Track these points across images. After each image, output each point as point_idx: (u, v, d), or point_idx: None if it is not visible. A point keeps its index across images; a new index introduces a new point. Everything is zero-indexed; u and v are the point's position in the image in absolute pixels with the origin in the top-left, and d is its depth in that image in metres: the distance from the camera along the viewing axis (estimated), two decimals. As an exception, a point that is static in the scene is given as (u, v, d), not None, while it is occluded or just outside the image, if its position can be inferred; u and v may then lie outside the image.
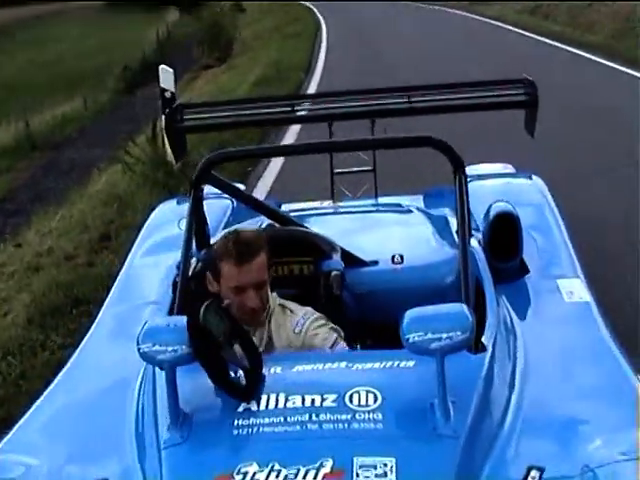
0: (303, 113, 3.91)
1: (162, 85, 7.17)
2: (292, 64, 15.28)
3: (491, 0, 24.07)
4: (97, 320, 3.05)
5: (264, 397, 2.05)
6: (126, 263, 3.42)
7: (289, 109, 3.81)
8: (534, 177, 3.99)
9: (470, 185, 3.93)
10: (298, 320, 2.51)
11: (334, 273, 2.69)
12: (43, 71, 26.43)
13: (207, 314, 2.02)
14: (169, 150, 7.45)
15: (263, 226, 3.10)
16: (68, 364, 2.77)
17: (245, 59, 18.44)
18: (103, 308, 3.15)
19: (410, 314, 2.05)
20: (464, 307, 2.11)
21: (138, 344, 2.03)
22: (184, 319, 2.04)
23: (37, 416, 2.49)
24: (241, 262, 2.40)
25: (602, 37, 15.57)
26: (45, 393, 2.61)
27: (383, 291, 2.87)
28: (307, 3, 32.56)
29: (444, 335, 1.97)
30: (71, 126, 16.80)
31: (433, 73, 11.23)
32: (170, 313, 2.63)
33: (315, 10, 29.55)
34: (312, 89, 12.57)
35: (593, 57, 13.95)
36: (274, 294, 2.58)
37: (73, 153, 13.89)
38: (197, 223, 2.83)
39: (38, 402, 2.55)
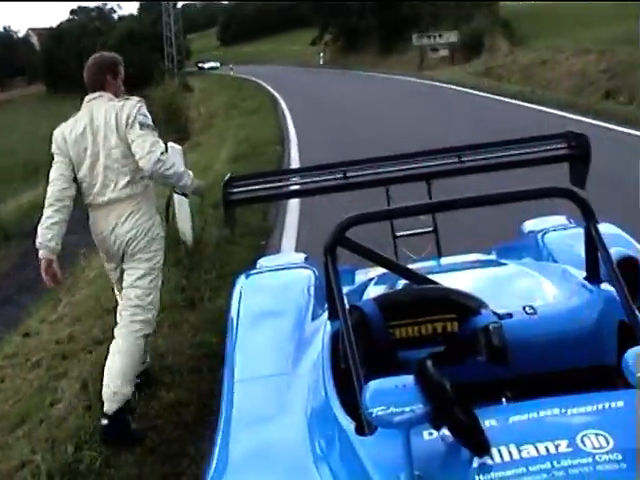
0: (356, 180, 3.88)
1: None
2: (263, 138, 15.27)
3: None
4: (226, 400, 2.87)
5: (495, 450, 2.02)
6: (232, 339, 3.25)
7: (341, 176, 3.82)
8: (603, 224, 3.97)
9: (550, 237, 3.99)
10: None
11: (492, 326, 2.65)
12: (-3, 161, 26.30)
13: (436, 370, 2.00)
14: (181, 229, 7.47)
15: (399, 287, 3.07)
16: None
17: (208, 136, 18.49)
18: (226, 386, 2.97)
19: None
20: None
21: (367, 408, 1.97)
22: (410, 378, 2.00)
23: None
24: None
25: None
26: None
27: (529, 342, 2.83)
28: (252, 78, 32.84)
29: None
30: (39, 213, 16.53)
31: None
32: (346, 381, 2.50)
33: (265, 85, 29.85)
34: (295, 159, 12.65)
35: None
36: None
37: (49, 240, 13.68)
38: (335, 289, 2.64)
39: None
